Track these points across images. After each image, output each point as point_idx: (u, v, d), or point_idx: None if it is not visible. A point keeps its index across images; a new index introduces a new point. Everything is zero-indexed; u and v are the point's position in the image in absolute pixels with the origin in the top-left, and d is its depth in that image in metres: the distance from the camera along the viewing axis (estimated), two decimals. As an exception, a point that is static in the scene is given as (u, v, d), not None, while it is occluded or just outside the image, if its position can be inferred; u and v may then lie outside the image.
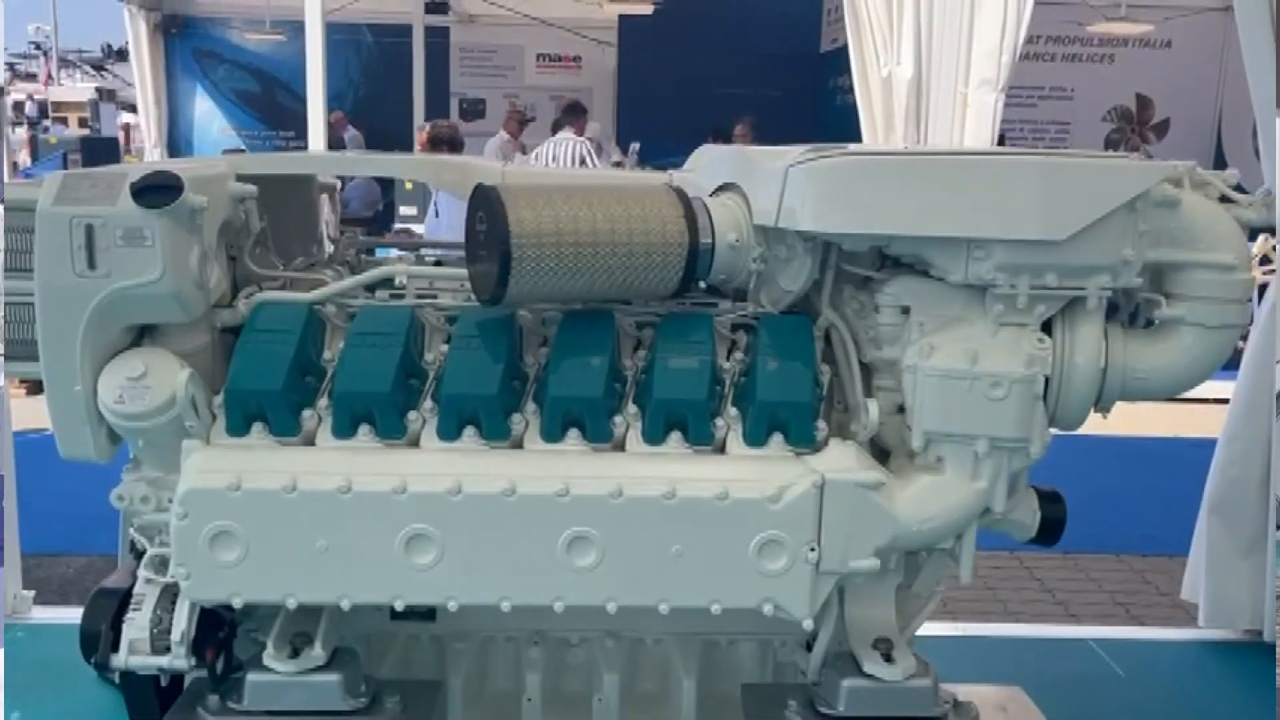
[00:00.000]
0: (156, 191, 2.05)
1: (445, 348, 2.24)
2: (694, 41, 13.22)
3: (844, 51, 12.40)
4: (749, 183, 2.24)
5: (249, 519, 2.07)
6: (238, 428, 2.16)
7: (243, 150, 14.23)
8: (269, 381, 2.12)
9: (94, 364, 2.15)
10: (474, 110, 16.83)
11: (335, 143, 14.38)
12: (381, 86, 15.39)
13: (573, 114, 9.43)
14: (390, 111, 14.35)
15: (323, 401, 2.19)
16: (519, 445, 2.20)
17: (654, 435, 2.18)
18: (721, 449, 2.20)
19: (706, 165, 2.47)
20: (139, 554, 2.44)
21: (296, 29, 15.33)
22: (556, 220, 2.05)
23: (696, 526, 2.10)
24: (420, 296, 2.36)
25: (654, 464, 2.15)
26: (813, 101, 12.66)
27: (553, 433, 2.18)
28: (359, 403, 2.14)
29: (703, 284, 2.25)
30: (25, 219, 2.16)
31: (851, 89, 11.75)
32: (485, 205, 2.07)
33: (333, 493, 2.07)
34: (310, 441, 2.19)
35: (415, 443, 2.19)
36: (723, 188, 2.32)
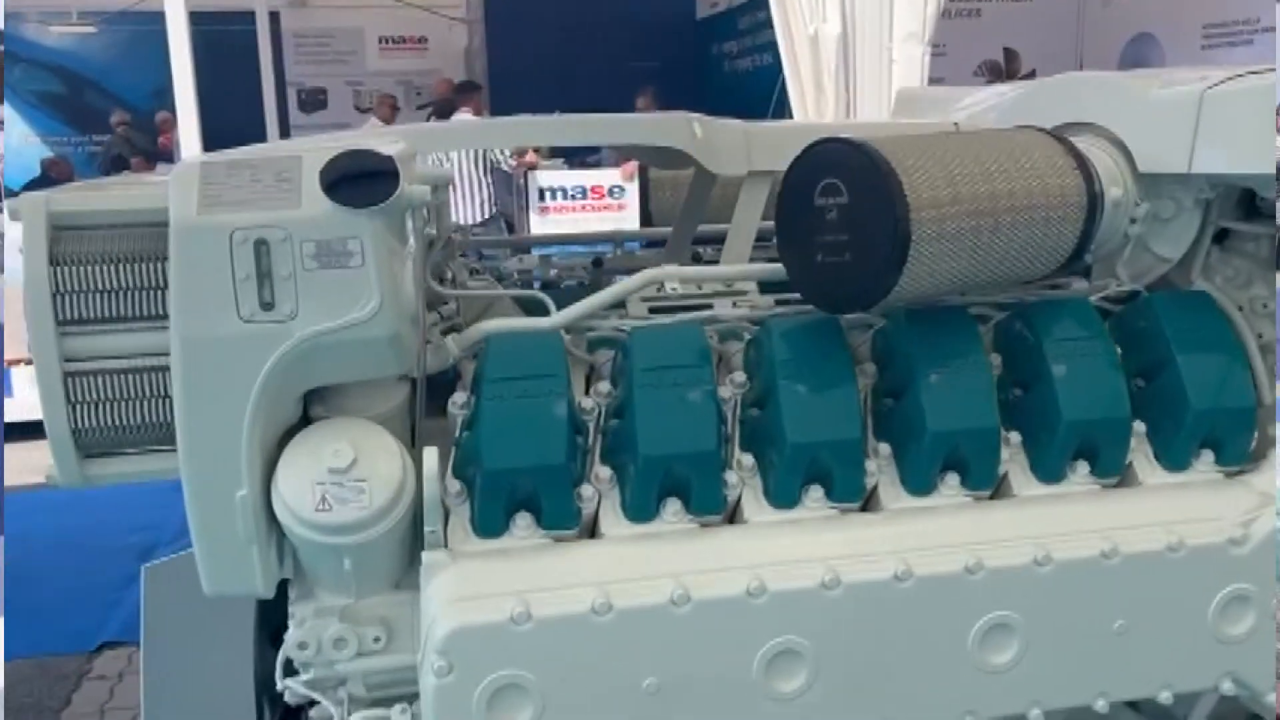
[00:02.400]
0: (365, 183, 1.33)
1: (739, 377, 1.59)
2: (561, 13, 12.51)
3: (724, 17, 11.97)
4: (1123, 120, 1.69)
5: (546, 662, 1.39)
6: (493, 524, 1.46)
7: (62, 162, 12.69)
8: (544, 453, 1.43)
9: (266, 452, 1.41)
10: (314, 101, 15.58)
11: (167, 149, 13.02)
12: (215, 81, 13.98)
13: (468, 92, 8.62)
14: (231, 107, 13.02)
15: (601, 471, 1.51)
16: (866, 505, 1.58)
17: (1053, 471, 1.61)
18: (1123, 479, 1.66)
19: (1021, 97, 1.88)
20: (293, 713, 1.71)
21: (107, 20, 13.79)
22: (952, 182, 1.44)
23: (1144, 590, 1.55)
24: (672, 308, 1.70)
25: (1067, 512, 1.58)
26: (696, 70, 12.15)
27: (923, 482, 1.57)
28: (675, 469, 1.47)
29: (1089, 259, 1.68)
30: (142, 241, 1.40)
31: (739, 55, 11.35)
32: (850, 170, 1.43)
33: (664, 607, 1.41)
34: (590, 531, 1.51)
35: (730, 516, 1.55)
36: (1070, 128, 1.75)
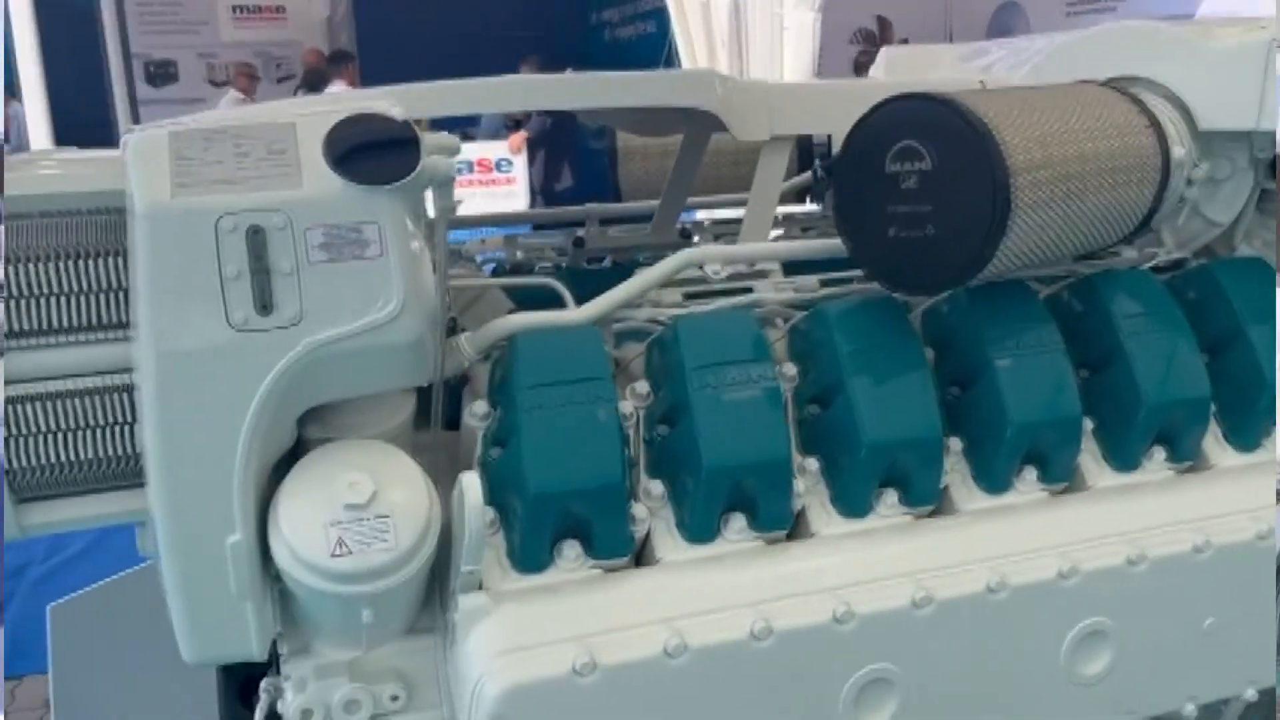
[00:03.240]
0: (381, 154, 1.09)
1: (790, 370, 1.40)
2: (433, -22, 12.03)
3: (605, -17, 11.65)
4: (1181, 73, 1.55)
5: (613, 717, 1.18)
6: (538, 557, 1.24)
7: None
8: (599, 471, 1.22)
9: (260, 489, 1.15)
10: (164, 74, 14.66)
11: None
12: (53, 53, 12.97)
13: (341, 63, 8.18)
14: (72, 81, 12.09)
15: (652, 487, 1.30)
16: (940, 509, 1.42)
17: (1131, 459, 1.47)
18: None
19: (1060, 50, 1.72)
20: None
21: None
22: (1044, 144, 1.27)
23: (1233, 583, 1.43)
24: (709, 293, 1.50)
25: (1151, 504, 1.45)
26: (576, 39, 11.84)
27: (1001, 480, 1.41)
28: (744, 481, 1.28)
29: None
30: (89, 232, 1.13)
31: (620, 23, 11.09)
32: (936, 131, 1.25)
33: (744, 643, 1.22)
34: (638, 557, 1.30)
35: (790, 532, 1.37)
36: (1118, 84, 1.60)
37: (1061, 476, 1.44)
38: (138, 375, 1.12)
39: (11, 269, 1.12)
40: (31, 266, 1.12)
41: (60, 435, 1.16)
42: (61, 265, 1.13)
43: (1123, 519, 1.41)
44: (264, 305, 1.07)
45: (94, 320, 1.16)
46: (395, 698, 1.28)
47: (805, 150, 2.20)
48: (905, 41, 13.90)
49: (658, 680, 1.19)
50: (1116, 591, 1.37)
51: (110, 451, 1.18)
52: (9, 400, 1.14)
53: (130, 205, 1.07)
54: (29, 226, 1.13)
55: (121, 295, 1.15)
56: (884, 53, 2.16)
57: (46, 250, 1.12)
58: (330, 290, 1.09)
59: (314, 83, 8.49)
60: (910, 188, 1.28)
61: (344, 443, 1.20)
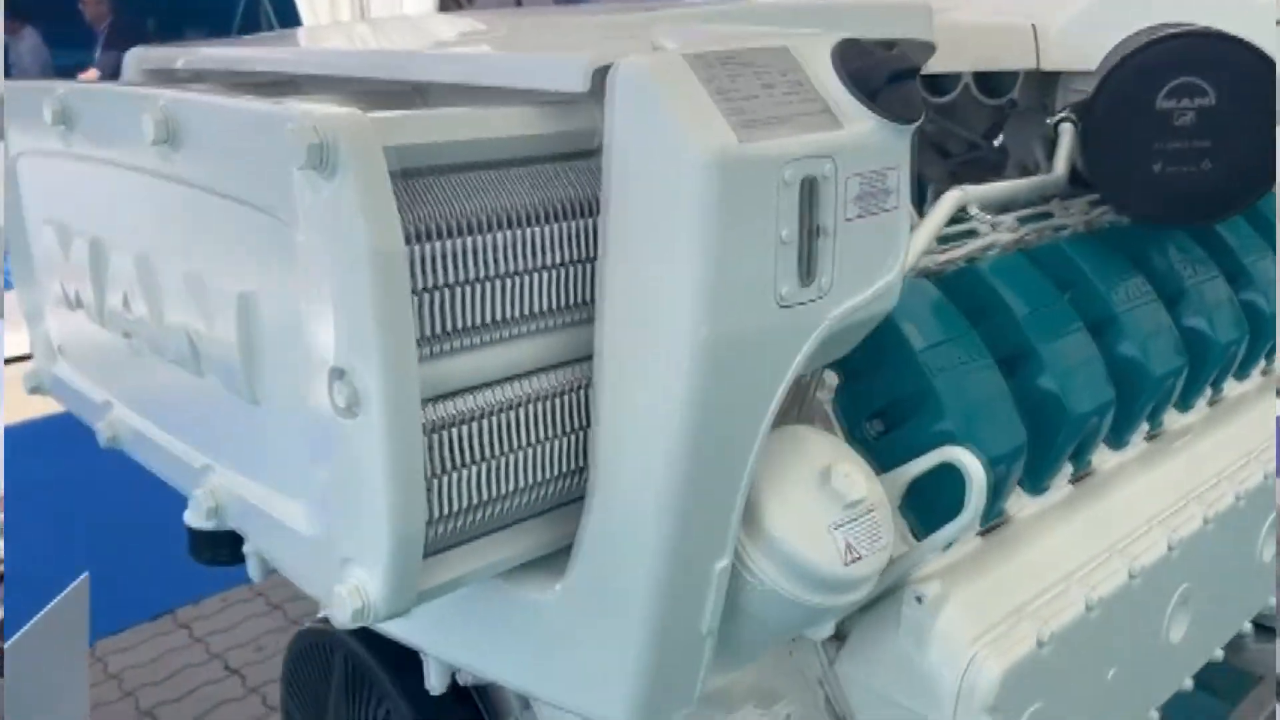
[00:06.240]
0: (903, 85, 0.92)
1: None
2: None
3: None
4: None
5: (1055, 681, 1.14)
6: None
7: None
8: (1016, 432, 1.14)
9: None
10: None
11: None
12: None
13: None
14: None
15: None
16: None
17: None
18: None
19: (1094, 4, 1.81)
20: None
21: None
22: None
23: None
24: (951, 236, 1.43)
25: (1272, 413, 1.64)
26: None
27: (1193, 399, 1.52)
28: (1094, 424, 1.26)
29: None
30: (562, 186, 0.86)
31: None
32: (1225, 69, 1.30)
33: (1126, 586, 1.22)
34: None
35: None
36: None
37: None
38: (623, 366, 0.86)
39: (467, 241, 0.81)
40: (494, 236, 0.82)
41: (496, 461, 0.86)
42: (537, 231, 0.84)
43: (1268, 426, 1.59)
44: (809, 273, 0.87)
45: (557, 300, 0.87)
46: (789, 716, 1.13)
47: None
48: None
49: (1083, 637, 1.16)
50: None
51: (546, 473, 0.90)
52: (453, 422, 0.83)
53: (649, 150, 0.81)
54: (479, 181, 0.82)
55: (569, 270, 0.87)
56: None
57: (518, 210, 0.83)
58: (857, 251, 0.91)
59: None
60: (1185, 124, 1.32)
61: (787, 430, 1.02)
